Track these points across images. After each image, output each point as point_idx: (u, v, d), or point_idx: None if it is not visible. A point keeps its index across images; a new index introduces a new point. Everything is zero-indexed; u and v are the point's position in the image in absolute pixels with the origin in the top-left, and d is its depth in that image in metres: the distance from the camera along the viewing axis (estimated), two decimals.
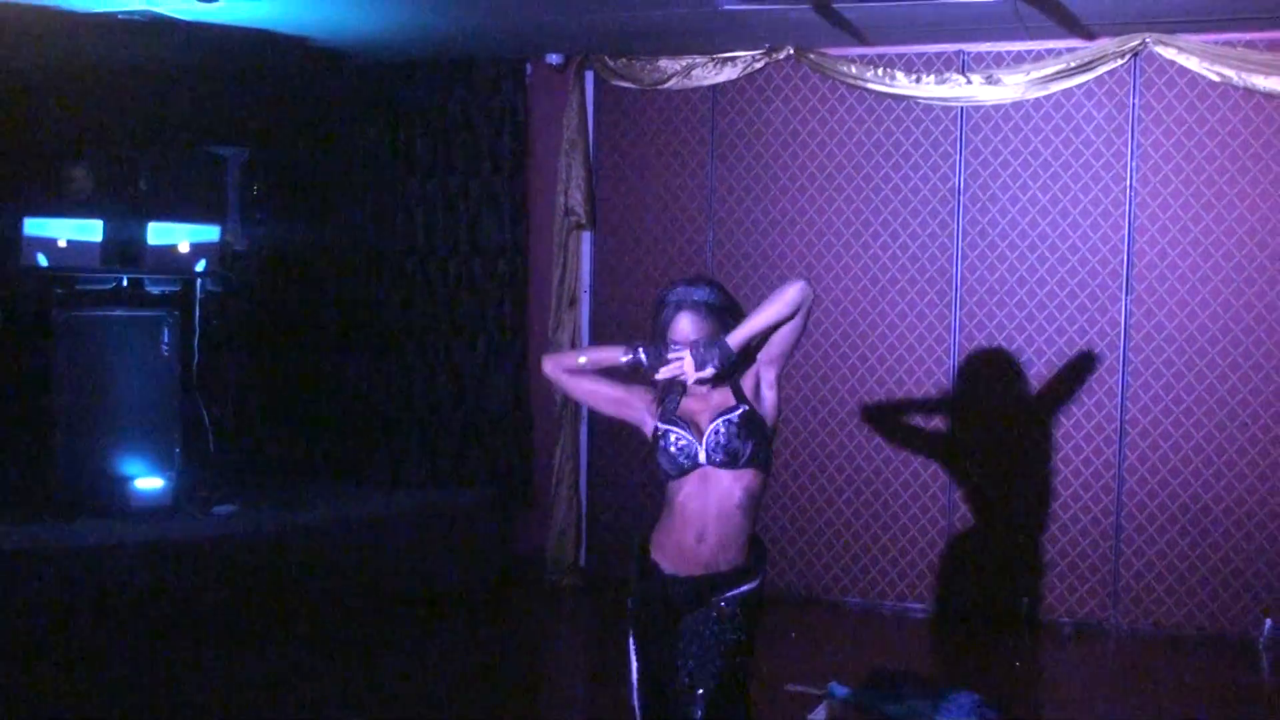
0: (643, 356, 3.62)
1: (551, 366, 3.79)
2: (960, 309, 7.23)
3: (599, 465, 7.95)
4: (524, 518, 8.13)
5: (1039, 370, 7.09)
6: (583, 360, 3.76)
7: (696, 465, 3.60)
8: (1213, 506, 6.84)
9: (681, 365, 3.55)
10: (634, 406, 3.72)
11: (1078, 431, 7.04)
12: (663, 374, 3.57)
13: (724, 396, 3.64)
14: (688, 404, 3.66)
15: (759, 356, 3.66)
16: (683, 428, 3.60)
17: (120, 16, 6.72)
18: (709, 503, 3.60)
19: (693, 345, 3.56)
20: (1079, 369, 7.01)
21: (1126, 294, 6.95)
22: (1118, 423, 6.98)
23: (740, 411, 3.60)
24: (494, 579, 7.76)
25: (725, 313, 3.62)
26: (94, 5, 6.53)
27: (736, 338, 3.56)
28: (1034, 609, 7.10)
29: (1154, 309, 6.91)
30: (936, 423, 7.29)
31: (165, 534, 6.75)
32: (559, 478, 7.87)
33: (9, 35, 6.97)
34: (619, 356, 3.67)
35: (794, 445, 7.53)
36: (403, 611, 7.12)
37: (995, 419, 7.18)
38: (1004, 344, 7.15)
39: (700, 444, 3.59)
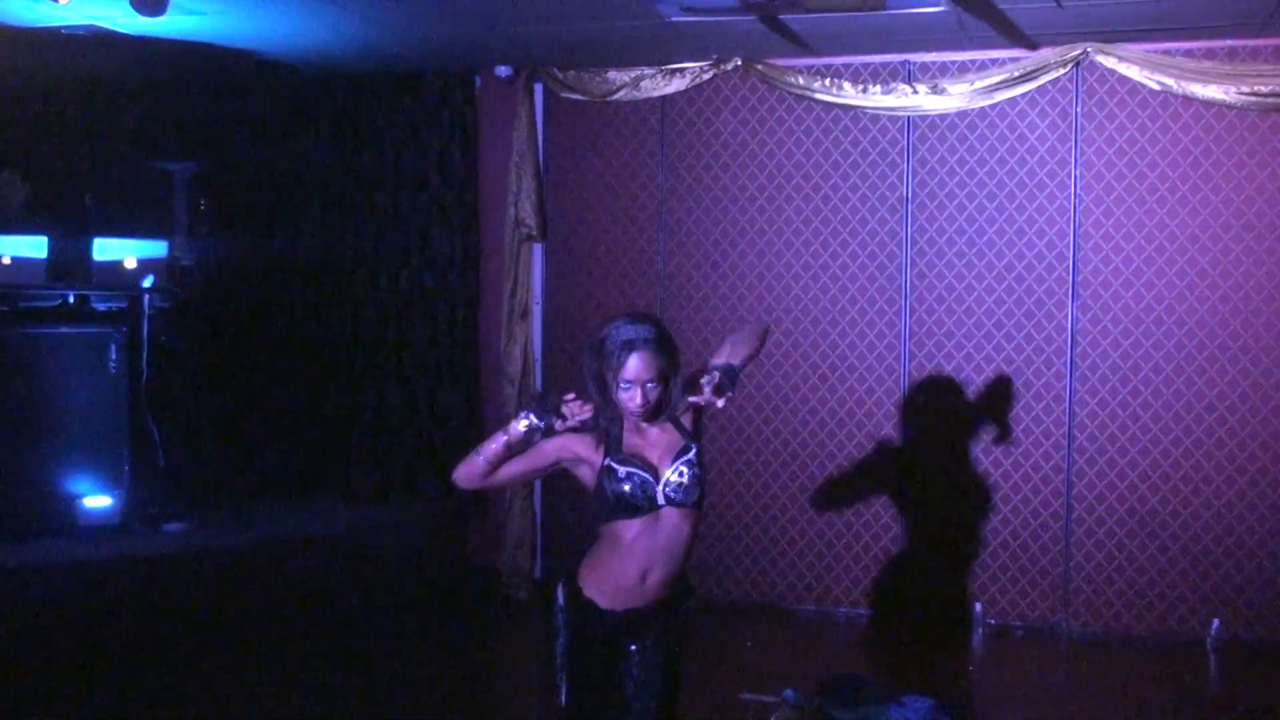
0: (534, 419, 3.53)
1: (465, 480, 3.66)
2: (910, 316, 7.29)
3: (553, 477, 7.92)
4: (479, 530, 8.10)
5: (988, 376, 7.16)
6: (480, 461, 3.60)
7: (655, 507, 3.59)
8: (1160, 509, 6.93)
9: (583, 410, 3.49)
10: (568, 455, 3.64)
11: (1027, 437, 7.11)
12: (567, 424, 3.52)
13: (671, 435, 3.64)
14: (631, 440, 3.62)
15: (700, 395, 3.65)
16: (637, 467, 3.57)
17: (64, 31, 6.66)
18: (658, 541, 3.60)
19: (711, 372, 3.62)
20: (1025, 376, 7.09)
21: (1073, 300, 7.03)
22: (1066, 427, 7.06)
23: (694, 451, 3.62)
24: (449, 592, 7.73)
25: (670, 348, 3.61)
26: (36, 20, 6.47)
27: (736, 368, 3.69)
28: (986, 613, 7.16)
29: (1099, 314, 7.00)
30: (887, 430, 7.33)
31: (115, 552, 6.67)
32: (513, 490, 7.85)
33: None
34: (516, 429, 3.55)
35: (746, 454, 7.56)
36: (357, 625, 7.07)
37: (945, 425, 7.24)
38: (953, 351, 7.22)
39: (658, 485, 3.58)
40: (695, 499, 3.62)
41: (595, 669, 3.69)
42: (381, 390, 8.22)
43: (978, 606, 7.16)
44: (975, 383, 7.18)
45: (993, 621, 7.16)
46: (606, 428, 3.60)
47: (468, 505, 8.06)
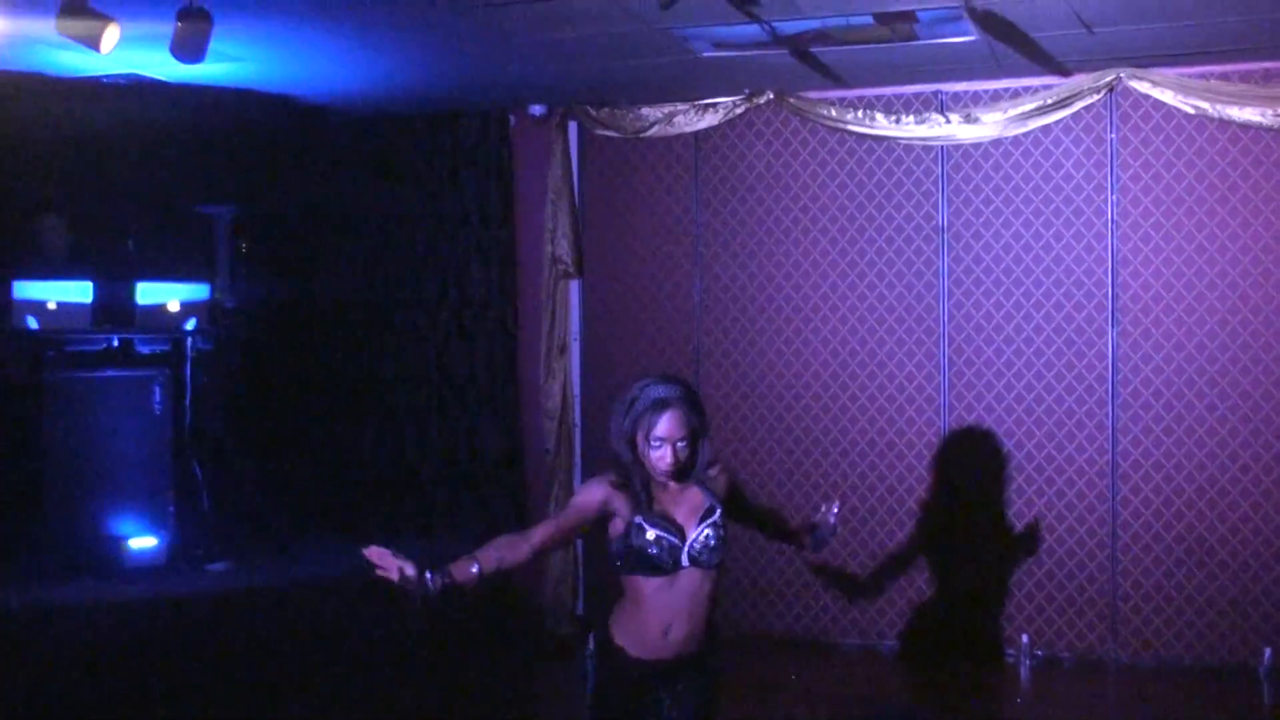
0: (427, 585, 3.50)
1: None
2: (948, 345, 7.26)
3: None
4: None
5: (1029, 405, 7.11)
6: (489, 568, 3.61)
7: (679, 567, 3.60)
8: (1207, 536, 6.84)
9: (400, 571, 3.49)
10: (612, 505, 3.62)
11: (1070, 465, 7.05)
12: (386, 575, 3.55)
13: (696, 496, 3.65)
14: (660, 498, 3.65)
15: (737, 492, 3.82)
16: (664, 528, 3.59)
17: (105, 81, 6.78)
18: (680, 599, 3.62)
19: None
20: (1067, 403, 7.03)
21: (1113, 326, 6.98)
22: (1110, 455, 6.98)
23: (719, 513, 3.64)
24: (491, 629, 7.72)
25: (699, 408, 3.64)
26: (79, 70, 6.59)
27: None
28: (1033, 644, 7.07)
29: (1140, 341, 6.94)
30: (929, 461, 7.28)
31: (160, 591, 6.73)
32: None
33: None
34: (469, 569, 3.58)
35: (787, 487, 7.53)
36: (401, 663, 7.08)
37: (988, 455, 7.18)
38: (993, 379, 7.17)
39: (684, 546, 3.59)
40: (718, 561, 3.63)
41: (622, 714, 3.70)
42: (422, 428, 8.26)
43: (1024, 638, 7.08)
44: (1016, 411, 7.13)
45: (1040, 653, 7.08)
46: (636, 488, 3.61)
47: None
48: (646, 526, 3.57)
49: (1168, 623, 6.91)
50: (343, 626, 7.13)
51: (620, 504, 3.61)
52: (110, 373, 7.27)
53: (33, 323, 7.10)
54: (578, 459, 7.94)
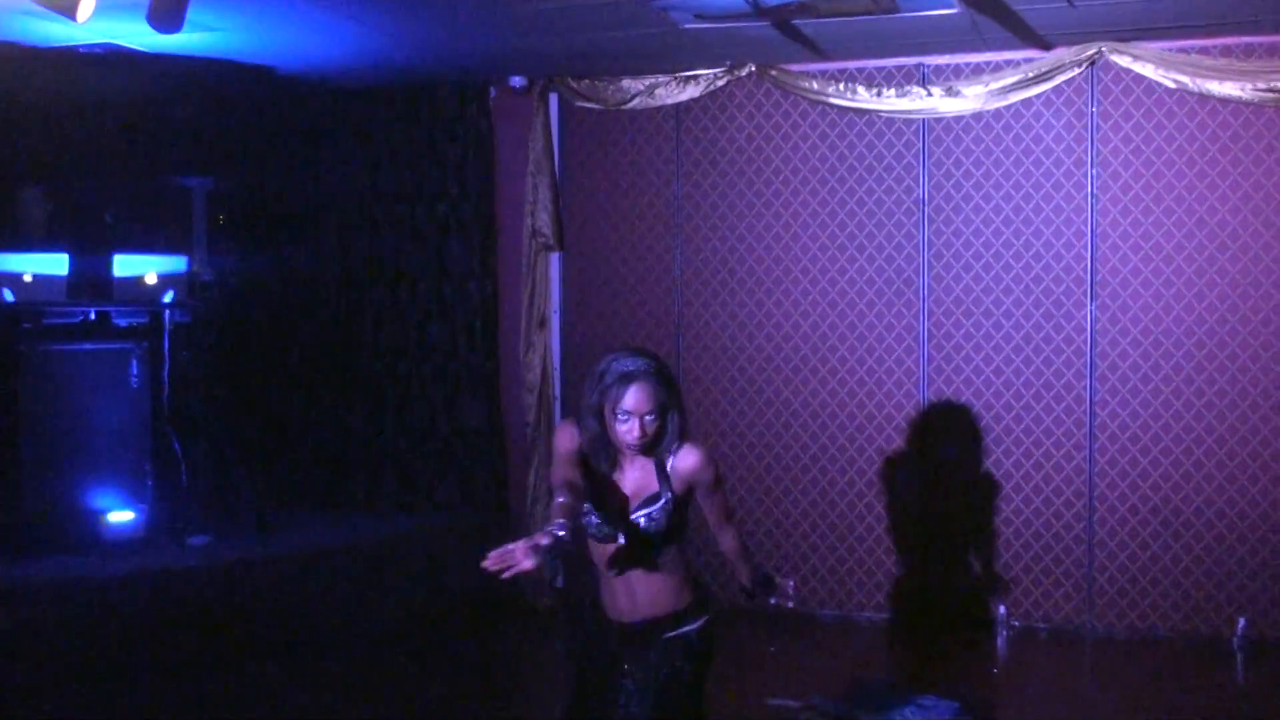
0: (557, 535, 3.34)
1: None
2: (928, 319, 7.28)
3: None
4: (500, 540, 8.07)
5: (1007, 378, 7.14)
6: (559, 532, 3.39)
7: (615, 541, 3.62)
8: (1183, 508, 6.90)
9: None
10: (576, 450, 3.65)
11: (1048, 437, 7.09)
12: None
13: (651, 476, 3.62)
14: (616, 472, 3.66)
15: (699, 485, 3.66)
16: (604, 516, 3.60)
17: (81, 50, 6.71)
18: (630, 572, 3.65)
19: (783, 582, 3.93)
20: (1045, 376, 7.08)
21: (1091, 300, 7.01)
22: (1087, 427, 7.03)
23: (664, 502, 3.60)
24: (471, 602, 7.73)
25: (669, 382, 3.63)
26: (55, 40, 6.52)
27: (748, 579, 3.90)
28: (1010, 615, 7.13)
29: (1118, 314, 6.98)
30: (907, 433, 7.32)
31: (139, 566, 6.71)
32: (533, 496, 7.87)
33: None
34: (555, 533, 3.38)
35: (766, 460, 7.56)
36: (379, 637, 7.08)
37: (965, 427, 7.22)
38: (972, 353, 7.20)
39: (620, 528, 3.60)
40: (661, 542, 3.62)
41: (595, 667, 3.74)
42: (402, 401, 8.25)
43: (1001, 608, 7.14)
44: (995, 384, 7.17)
45: (1017, 623, 7.14)
46: (597, 464, 3.64)
47: (489, 515, 8.08)
48: (591, 513, 3.60)
49: (1142, 593, 6.97)
50: (322, 601, 7.14)
51: (580, 465, 3.64)
52: (87, 346, 7.21)
53: (8, 295, 7.04)
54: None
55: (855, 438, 7.42)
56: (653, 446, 3.60)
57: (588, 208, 7.92)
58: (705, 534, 3.94)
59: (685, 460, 3.61)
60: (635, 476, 3.64)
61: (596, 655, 3.76)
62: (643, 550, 3.62)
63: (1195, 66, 6.69)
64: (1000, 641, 7.05)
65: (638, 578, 3.65)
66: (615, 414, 3.55)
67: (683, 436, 3.63)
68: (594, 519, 3.61)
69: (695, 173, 7.69)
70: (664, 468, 3.62)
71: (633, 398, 3.55)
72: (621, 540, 3.59)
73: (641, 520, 3.59)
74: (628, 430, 3.56)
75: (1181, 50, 6.76)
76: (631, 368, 3.57)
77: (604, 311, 7.85)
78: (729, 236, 7.63)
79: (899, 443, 7.34)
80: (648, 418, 3.55)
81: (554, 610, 7.73)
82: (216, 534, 7.23)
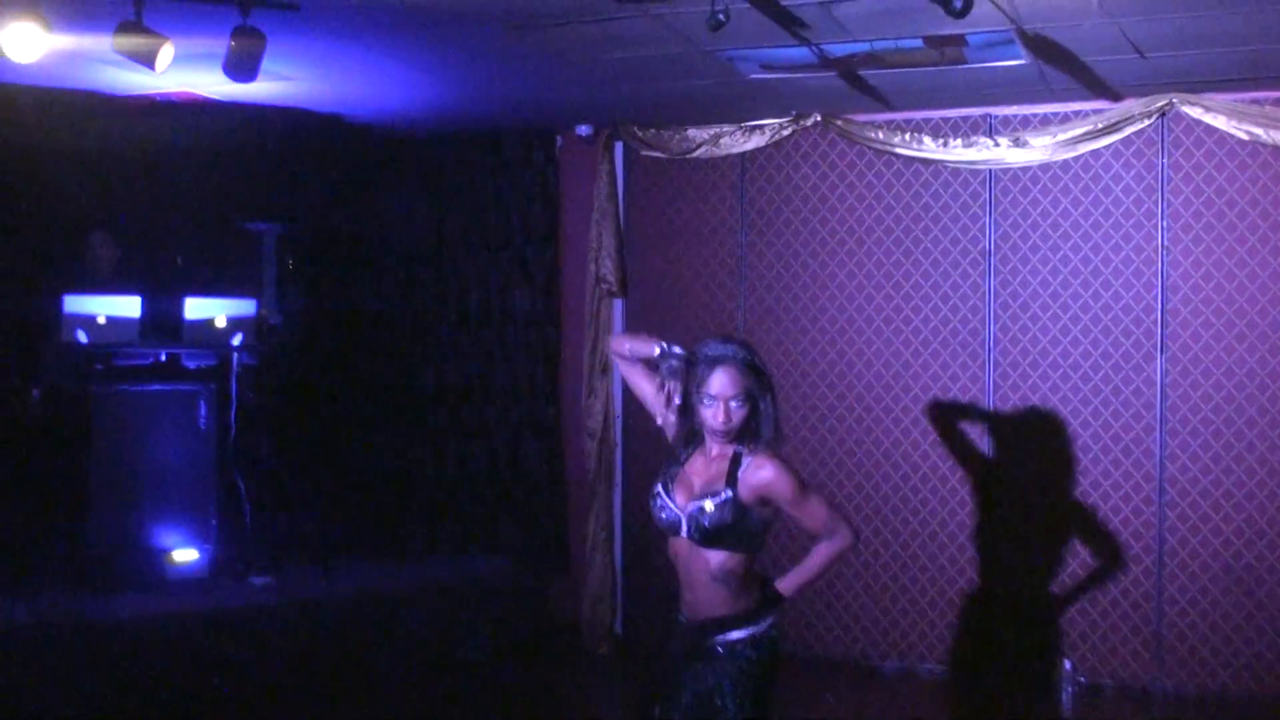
0: (669, 358, 3.67)
1: (615, 346, 3.92)
2: (994, 370, 7.21)
3: (633, 530, 7.93)
4: (559, 585, 8.10)
5: (1075, 430, 7.05)
6: (627, 348, 3.83)
7: (676, 535, 3.64)
8: (1256, 565, 6.76)
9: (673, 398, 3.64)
10: (662, 421, 3.75)
11: (1116, 491, 6.98)
12: (664, 393, 3.68)
13: (723, 470, 3.60)
14: (695, 461, 3.67)
15: (778, 500, 3.61)
16: (670, 498, 3.63)
17: (158, 98, 6.85)
18: (690, 568, 3.64)
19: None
20: (1114, 429, 6.97)
21: (1161, 353, 6.91)
22: (1157, 481, 6.92)
23: (724, 497, 3.57)
24: (530, 648, 7.72)
25: (758, 371, 3.62)
26: (132, 88, 6.67)
27: (789, 583, 3.72)
28: (1076, 670, 7.00)
29: (1189, 367, 6.87)
30: (972, 485, 7.23)
31: (202, 605, 6.76)
32: (593, 544, 7.85)
33: (50, 117, 7.11)
34: (652, 350, 3.72)
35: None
36: (440, 680, 7.09)
37: (1032, 479, 7.13)
38: (1039, 404, 7.12)
39: (682, 517, 3.60)
40: (713, 543, 3.58)
41: (664, 675, 3.73)
42: (464, 445, 8.29)
43: (1068, 664, 7.01)
44: (1062, 437, 7.07)
45: (1084, 679, 7.00)
46: (683, 441, 3.68)
47: (549, 560, 8.07)
48: (660, 494, 3.67)
49: (1213, 652, 6.82)
50: (382, 643, 7.16)
51: (669, 429, 3.73)
52: (157, 387, 7.33)
53: (82, 336, 7.17)
54: (618, 478, 7.94)
55: (919, 488, 7.35)
56: (741, 434, 3.59)
57: (651, 255, 7.95)
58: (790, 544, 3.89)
59: (757, 472, 3.57)
60: (710, 470, 3.63)
61: (669, 656, 3.74)
62: (692, 548, 3.61)
63: (1268, 118, 6.61)
64: (1066, 698, 6.91)
65: (699, 575, 3.62)
66: (702, 398, 3.58)
67: (776, 431, 3.62)
68: (661, 501, 3.64)
69: (759, 222, 7.70)
70: (737, 467, 3.59)
71: (719, 381, 3.56)
72: (684, 534, 3.60)
73: (694, 510, 3.58)
74: (713, 415, 3.56)
75: (1254, 101, 6.68)
76: (719, 352, 3.60)
77: None
78: (793, 286, 7.62)
79: (964, 494, 7.26)
80: (733, 403, 3.56)
81: (610, 656, 7.69)
82: (279, 575, 7.27)
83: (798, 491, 3.58)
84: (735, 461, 3.59)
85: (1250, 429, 6.77)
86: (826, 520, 3.64)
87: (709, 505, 3.56)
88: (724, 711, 3.59)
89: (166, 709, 6.33)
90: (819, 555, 3.66)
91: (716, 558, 3.59)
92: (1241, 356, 6.79)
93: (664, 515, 3.65)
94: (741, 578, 3.62)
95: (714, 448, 3.63)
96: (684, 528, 3.60)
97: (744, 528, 3.58)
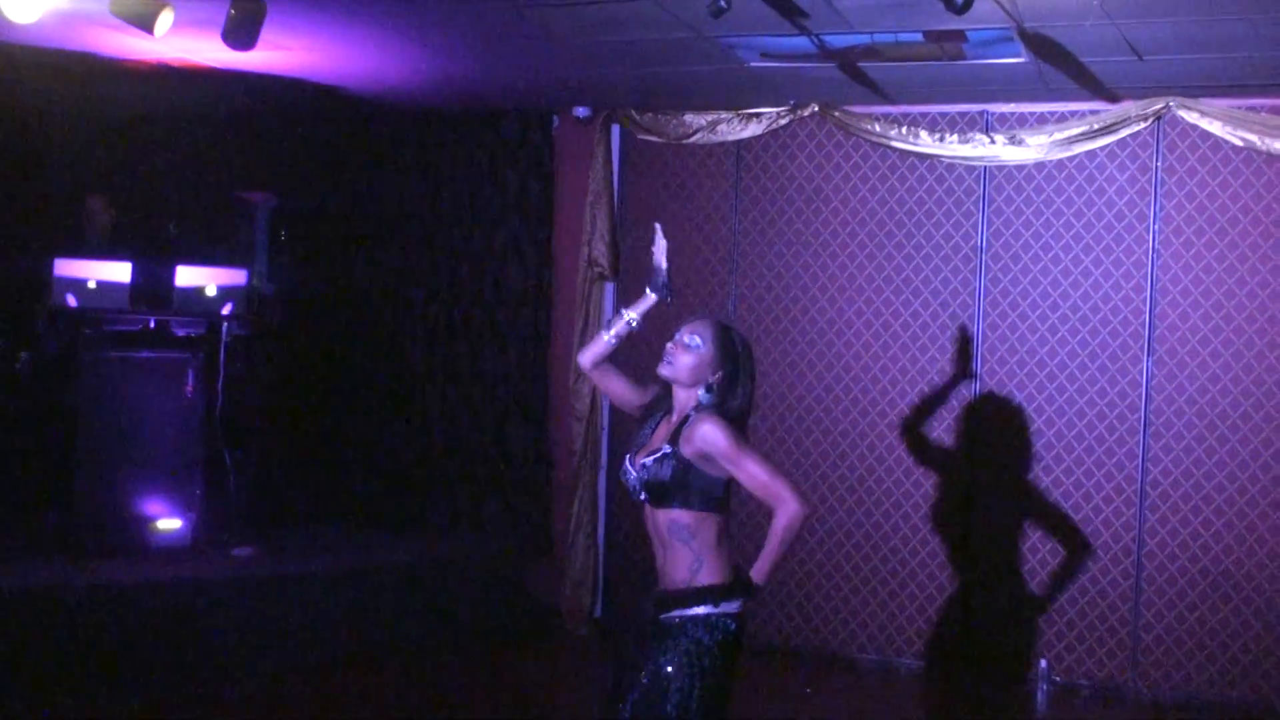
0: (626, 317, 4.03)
1: (587, 359, 4.05)
2: (981, 366, 7.24)
3: (617, 515, 7.95)
4: (541, 567, 8.11)
5: (1059, 429, 7.08)
6: (606, 336, 4.05)
7: (638, 498, 3.73)
8: (1234, 570, 6.79)
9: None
10: (636, 398, 3.94)
11: (1098, 492, 7.01)
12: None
13: (667, 434, 3.70)
14: (661, 429, 3.76)
15: (716, 456, 3.58)
16: (632, 462, 3.74)
17: (155, 64, 6.83)
18: (654, 533, 3.71)
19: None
20: (1098, 429, 7.00)
21: (1148, 355, 6.94)
22: (1138, 484, 6.95)
23: (663, 453, 3.64)
24: (510, 628, 7.73)
25: (726, 345, 3.73)
26: (131, 52, 6.64)
27: (757, 569, 3.64)
28: (1052, 670, 7.04)
29: (1176, 371, 6.90)
30: (956, 482, 7.26)
31: (183, 574, 6.76)
32: (577, 527, 7.87)
33: (43, 79, 7.09)
34: (612, 322, 4.04)
35: (815, 500, 7.51)
36: (418, 657, 7.10)
37: (1015, 478, 7.15)
38: (1024, 403, 7.14)
39: (633, 473, 3.72)
40: (665, 501, 3.62)
41: (633, 650, 3.73)
42: (451, 423, 8.29)
43: (1043, 663, 7.04)
44: (1046, 435, 7.10)
45: (1059, 679, 7.04)
46: (652, 409, 3.84)
47: (532, 540, 8.09)
48: (626, 460, 3.79)
49: (1188, 655, 6.86)
50: (362, 617, 7.17)
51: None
52: (145, 353, 7.31)
53: (72, 301, 7.16)
54: (604, 461, 7.95)
55: (902, 482, 7.37)
56: (673, 377, 3.72)
57: (645, 239, 7.91)
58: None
59: (696, 428, 3.61)
60: (662, 433, 3.73)
61: (635, 629, 3.76)
62: (651, 505, 3.68)
63: (1264, 125, 6.63)
64: (1040, 696, 6.95)
65: (658, 536, 3.69)
66: (674, 335, 3.78)
67: (743, 406, 3.71)
68: (625, 465, 3.77)
69: (753, 210, 7.70)
70: (683, 430, 3.64)
71: (685, 327, 3.75)
72: (643, 497, 3.68)
73: (644, 465, 3.66)
74: (666, 352, 3.74)
75: (1250, 108, 6.70)
76: (696, 315, 3.84)
77: (655, 342, 7.83)
78: (785, 274, 7.63)
79: (949, 489, 7.28)
80: (684, 350, 3.71)
81: (590, 638, 7.71)
82: (260, 546, 7.27)
83: (732, 447, 3.55)
84: (684, 421, 3.67)
85: (1233, 434, 6.80)
86: (767, 482, 3.56)
87: (649, 461, 3.65)
88: (667, 697, 3.53)
89: (146, 677, 6.33)
90: (773, 533, 3.59)
91: (666, 515, 3.64)
92: (1227, 362, 6.82)
93: (626, 479, 3.75)
94: (702, 541, 3.60)
95: (674, 414, 3.74)
96: (636, 488, 3.70)
97: (688, 483, 3.60)
